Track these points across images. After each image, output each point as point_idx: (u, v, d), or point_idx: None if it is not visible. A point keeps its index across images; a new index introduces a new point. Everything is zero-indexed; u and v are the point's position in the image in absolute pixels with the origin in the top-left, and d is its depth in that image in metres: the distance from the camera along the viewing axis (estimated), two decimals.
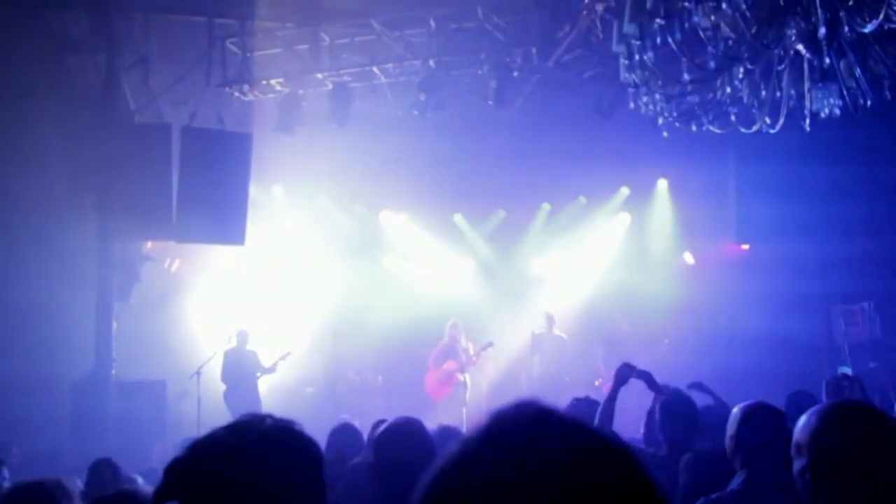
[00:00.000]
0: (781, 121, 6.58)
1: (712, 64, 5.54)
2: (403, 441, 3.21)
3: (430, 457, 3.13)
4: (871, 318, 11.60)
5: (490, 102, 10.35)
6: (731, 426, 3.67)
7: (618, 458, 0.95)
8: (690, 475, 4.32)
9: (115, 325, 10.18)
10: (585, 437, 0.96)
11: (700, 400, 5.35)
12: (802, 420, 2.48)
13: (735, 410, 3.79)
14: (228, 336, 12.28)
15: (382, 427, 3.41)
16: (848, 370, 9.73)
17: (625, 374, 5.14)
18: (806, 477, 2.41)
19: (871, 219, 11.47)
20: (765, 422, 3.59)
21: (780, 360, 11.71)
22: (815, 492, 2.40)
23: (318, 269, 14.53)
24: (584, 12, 9.56)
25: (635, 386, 5.19)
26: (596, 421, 4.97)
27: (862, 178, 11.21)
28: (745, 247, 12.74)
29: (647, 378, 5.25)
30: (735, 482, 3.50)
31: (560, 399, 5.84)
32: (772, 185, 11.14)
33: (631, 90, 6.63)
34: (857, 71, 5.65)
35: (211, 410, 10.51)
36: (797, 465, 2.45)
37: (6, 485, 4.49)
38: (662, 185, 14.13)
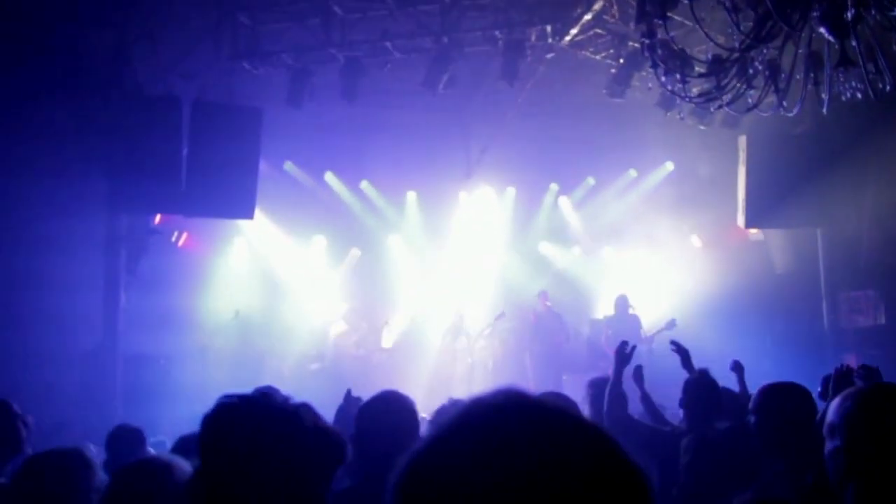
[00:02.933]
0: (798, 105, 6.56)
1: (736, 44, 5.50)
2: (385, 414, 3.22)
3: (411, 431, 3.15)
4: (876, 306, 11.61)
5: (503, 81, 10.26)
6: (752, 407, 3.68)
7: (593, 442, 0.95)
8: (693, 455, 4.37)
9: (122, 297, 10.18)
10: (561, 423, 0.96)
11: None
12: (836, 401, 2.47)
13: (755, 393, 3.80)
14: (234, 310, 12.30)
15: (366, 400, 3.41)
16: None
17: (623, 352, 5.11)
18: (839, 458, 2.41)
19: (877, 206, 11.43)
20: (788, 402, 3.60)
21: (784, 345, 11.73)
22: (847, 473, 2.39)
23: (329, 246, 14.49)
24: None
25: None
26: (605, 406, 4.98)
27: (869, 164, 11.17)
28: (753, 231, 12.72)
29: (685, 355, 5.31)
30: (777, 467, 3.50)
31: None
32: (780, 170, 11.10)
33: (649, 70, 6.59)
34: (880, 55, 5.61)
35: (218, 384, 10.55)
36: (829, 446, 2.45)
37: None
38: (669, 167, 14.12)
